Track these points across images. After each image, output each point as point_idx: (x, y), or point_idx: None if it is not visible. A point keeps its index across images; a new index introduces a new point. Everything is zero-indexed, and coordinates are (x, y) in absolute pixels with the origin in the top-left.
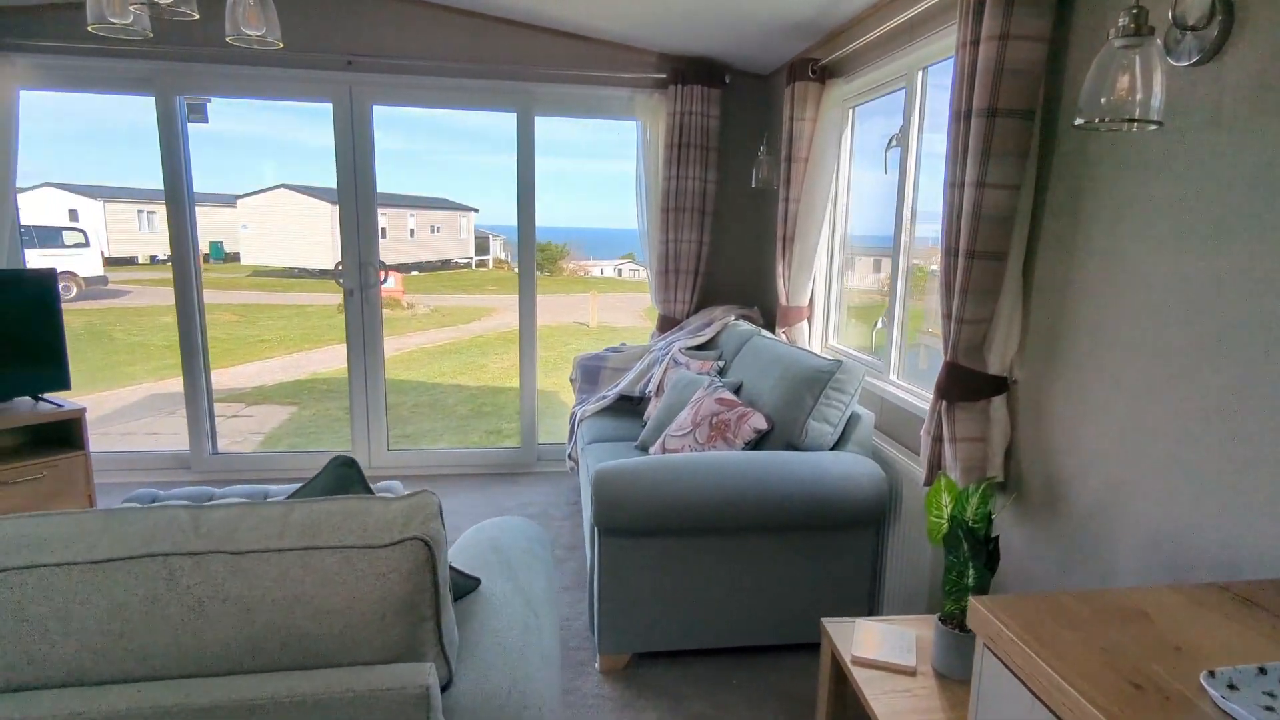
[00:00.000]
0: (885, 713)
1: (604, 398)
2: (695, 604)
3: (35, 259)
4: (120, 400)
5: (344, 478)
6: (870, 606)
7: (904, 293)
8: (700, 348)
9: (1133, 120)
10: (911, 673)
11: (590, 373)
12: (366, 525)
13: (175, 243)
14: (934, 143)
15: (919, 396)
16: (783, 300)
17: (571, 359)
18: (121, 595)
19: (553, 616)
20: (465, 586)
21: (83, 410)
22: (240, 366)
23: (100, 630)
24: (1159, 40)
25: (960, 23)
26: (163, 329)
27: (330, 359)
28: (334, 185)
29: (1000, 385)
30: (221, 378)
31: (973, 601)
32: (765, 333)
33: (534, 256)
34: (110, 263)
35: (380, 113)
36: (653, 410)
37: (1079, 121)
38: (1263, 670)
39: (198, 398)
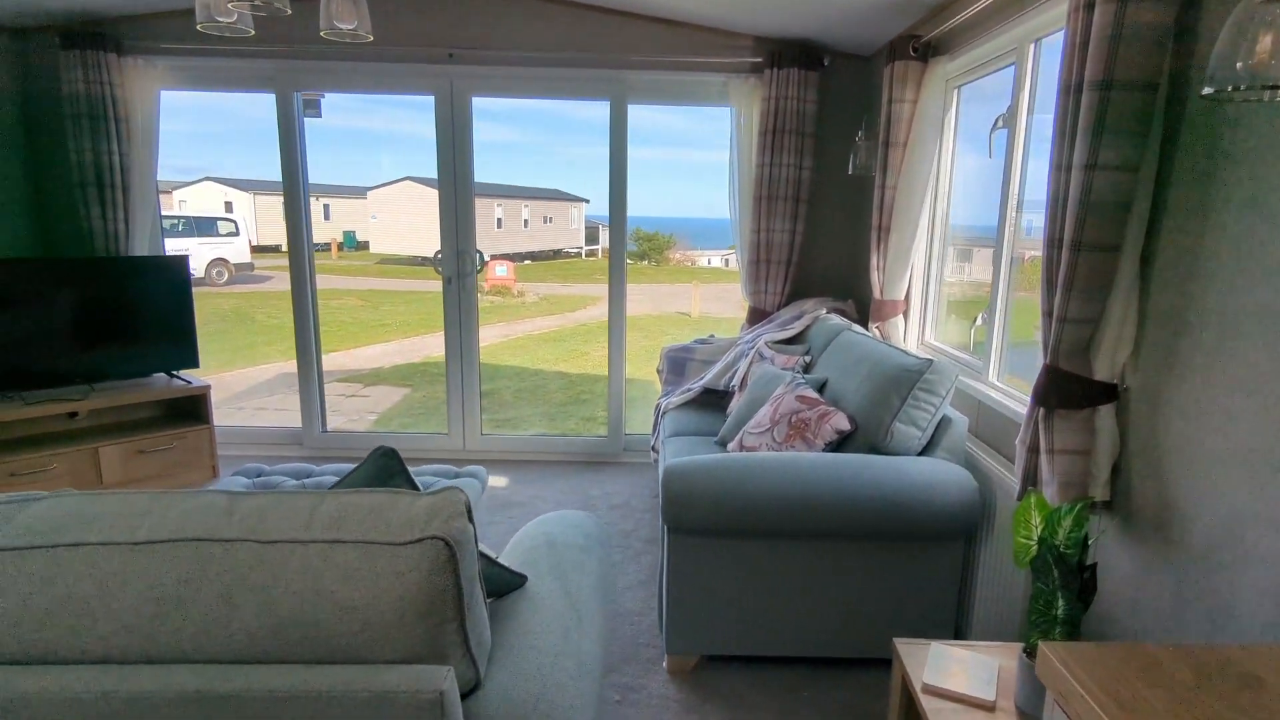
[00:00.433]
0: None
1: (688, 390)
2: (767, 609)
3: (194, 247)
4: (257, 377)
5: (385, 468)
6: (956, 628)
7: (1007, 286)
8: (789, 342)
9: (1275, 87)
10: (990, 708)
11: (677, 364)
12: (390, 521)
13: (291, 233)
14: (1045, 124)
15: (1022, 401)
16: (877, 293)
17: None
18: (157, 578)
19: (598, 621)
20: (511, 583)
21: (208, 387)
22: (361, 349)
23: (136, 611)
24: None
25: None
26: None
27: (442, 344)
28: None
29: (1108, 393)
30: (344, 359)
31: (1042, 649)
32: (856, 328)
33: (625, 246)
34: (257, 250)
35: (497, 107)
36: (735, 405)
37: (1208, 90)
38: None
39: (310, 379)
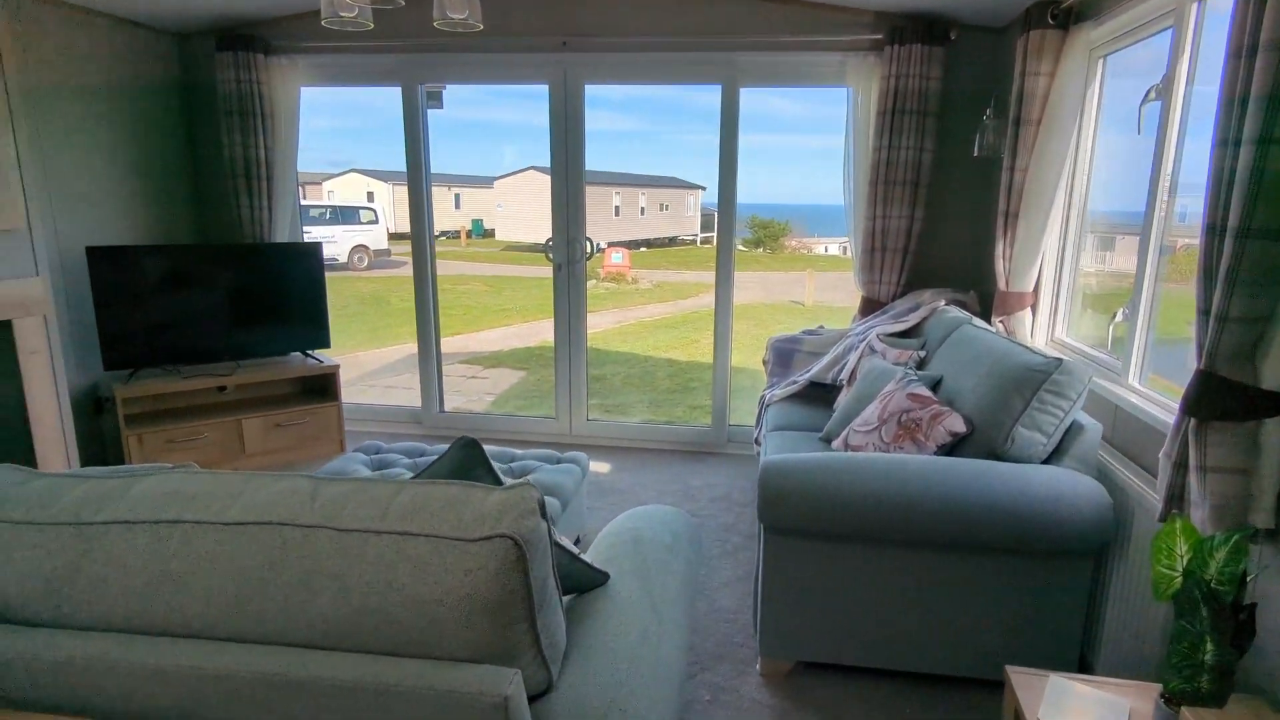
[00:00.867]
0: None
1: (794, 383)
2: (868, 618)
3: (338, 234)
4: (389, 357)
5: (466, 459)
6: (1079, 657)
7: (1154, 278)
8: (903, 335)
9: None
10: None
11: (783, 355)
12: (462, 516)
13: (413, 220)
14: (1206, 96)
15: (1167, 408)
16: (1001, 285)
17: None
18: (244, 559)
19: (681, 625)
20: (593, 580)
21: (337, 367)
22: (484, 332)
23: (224, 590)
24: None
25: None
26: None
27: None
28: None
29: (1277, 404)
30: (468, 342)
31: (1185, 717)
32: (977, 322)
33: (734, 233)
34: (394, 237)
35: (617, 95)
36: (842, 400)
37: None
38: None
39: (429, 361)
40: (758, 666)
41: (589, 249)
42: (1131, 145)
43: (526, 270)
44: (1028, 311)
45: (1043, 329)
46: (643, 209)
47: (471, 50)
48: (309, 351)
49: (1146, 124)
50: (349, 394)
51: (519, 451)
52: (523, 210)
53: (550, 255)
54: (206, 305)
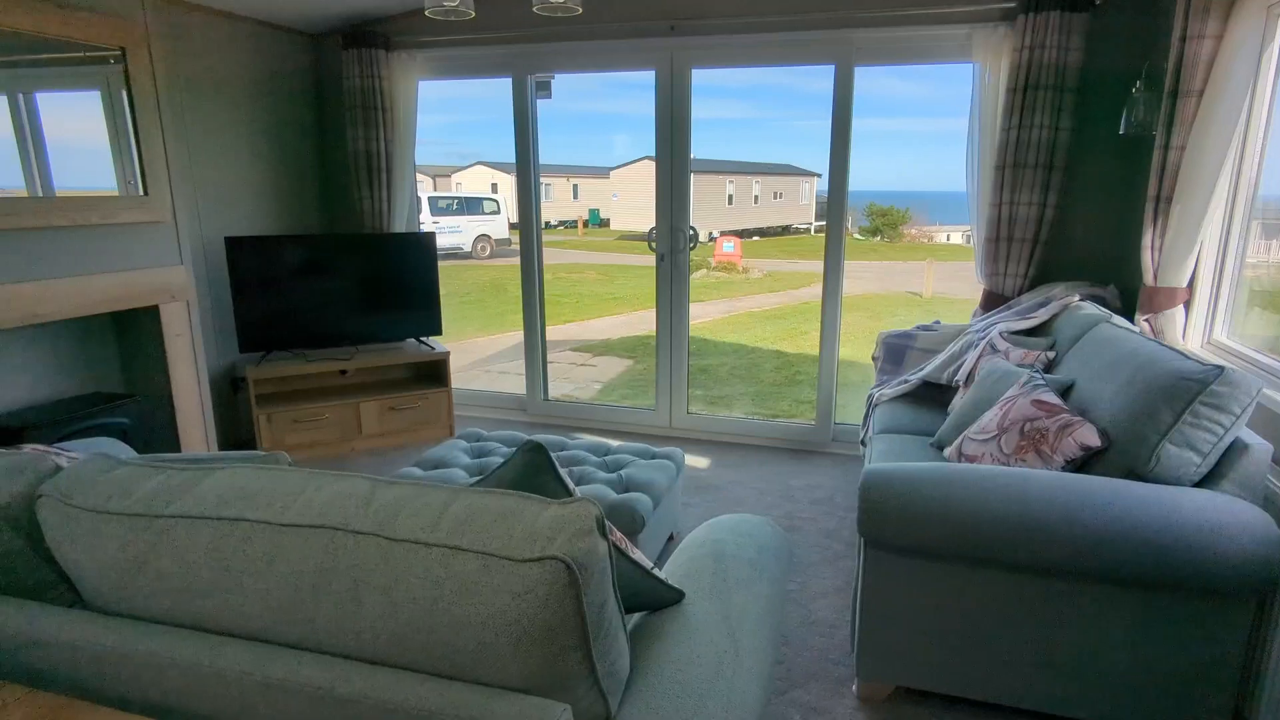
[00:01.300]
0: None
1: (905, 381)
2: (979, 647)
3: (463, 224)
4: (505, 343)
5: (532, 464)
6: (1234, 712)
7: None
8: (1029, 333)
9: None
10: None
11: (895, 352)
12: (514, 532)
13: (521, 210)
14: None
15: None
16: (1149, 279)
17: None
18: (297, 563)
19: (762, 653)
20: (666, 598)
21: (447, 354)
22: (595, 320)
23: (278, 594)
24: None
25: None
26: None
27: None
28: (693, 156)
29: None
30: (578, 330)
31: None
32: (1118, 320)
33: (844, 220)
34: (515, 227)
35: (731, 82)
36: (957, 403)
37: None
38: None
39: (534, 350)
40: (854, 688)
41: (692, 238)
42: None
43: (639, 259)
44: (1179, 309)
45: (1198, 330)
46: (756, 197)
47: (578, 39)
48: (422, 338)
49: None
50: (465, 379)
51: (614, 444)
52: (637, 199)
53: (653, 245)
54: (329, 292)
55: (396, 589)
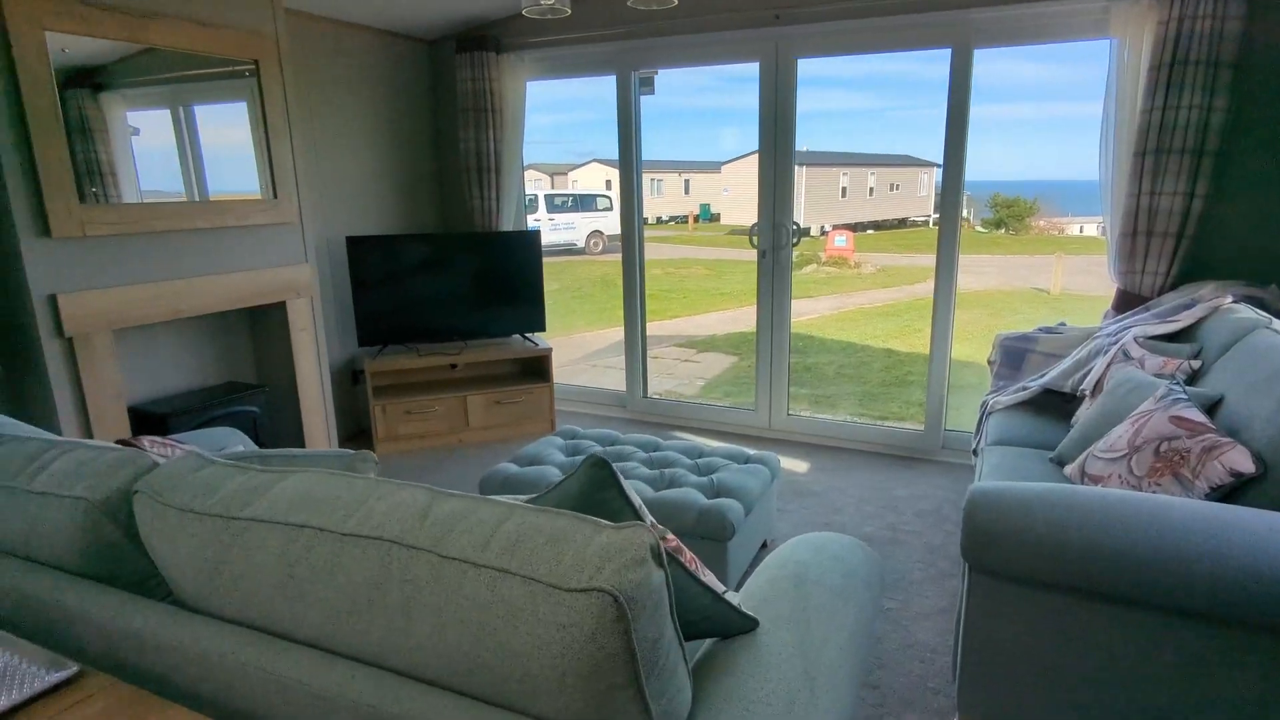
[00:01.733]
0: None
1: (1023, 389)
2: (1100, 692)
3: (578, 221)
4: (612, 338)
5: (595, 481)
6: None
7: None
8: (1169, 338)
9: None
10: None
11: (1013, 355)
12: (562, 558)
13: (623, 206)
14: None
15: None
16: None
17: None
18: (356, 573)
19: (841, 694)
20: (740, 626)
21: (550, 350)
22: (701, 316)
23: (336, 603)
24: None
25: None
26: (651, 280)
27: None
28: (805, 149)
29: None
30: (684, 325)
31: None
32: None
33: (960, 211)
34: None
35: (844, 73)
36: (1082, 415)
37: None
38: None
39: (634, 346)
40: None
41: (796, 232)
42: None
43: (747, 254)
44: None
45: None
46: (871, 189)
47: (680, 33)
48: (526, 334)
49: None
50: (573, 373)
51: (708, 446)
52: (747, 194)
53: (754, 241)
54: (441, 289)
55: (446, 609)
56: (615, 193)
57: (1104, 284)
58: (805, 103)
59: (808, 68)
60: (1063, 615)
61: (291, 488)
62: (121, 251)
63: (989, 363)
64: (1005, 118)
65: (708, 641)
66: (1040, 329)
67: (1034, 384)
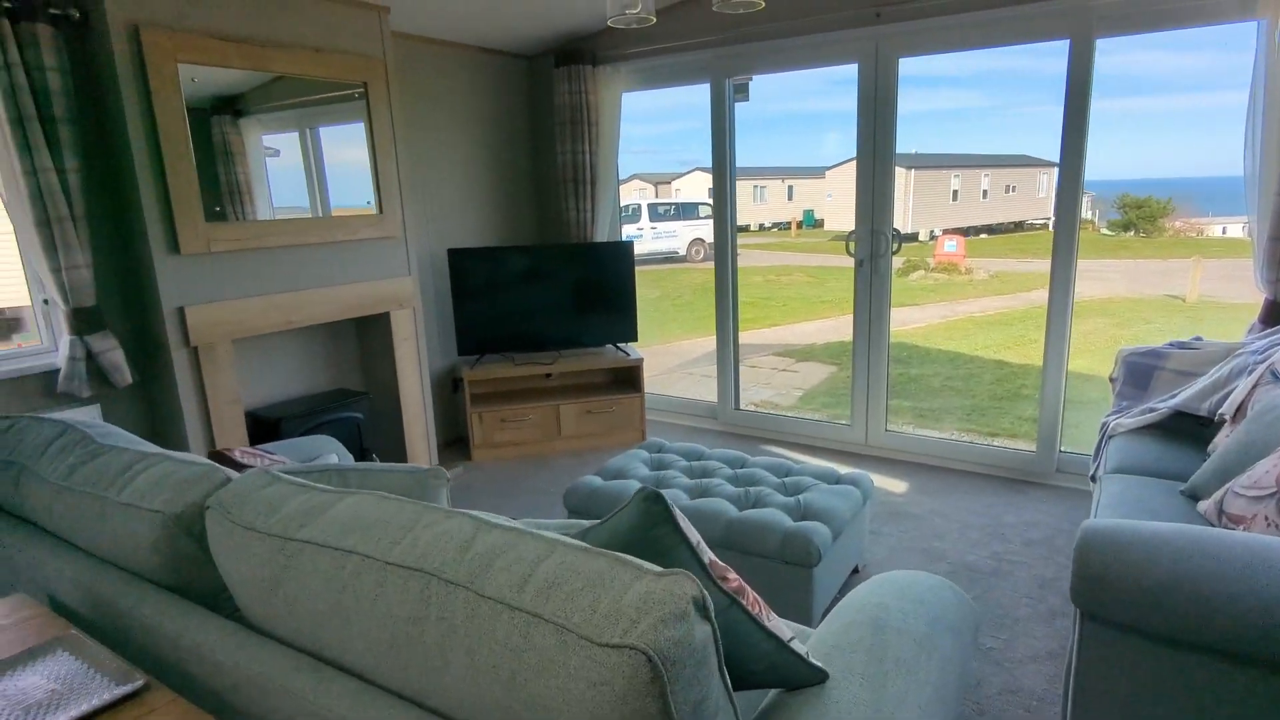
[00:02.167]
0: None
1: (1151, 410)
2: None
3: (680, 229)
4: (710, 345)
5: (649, 517)
6: None
7: None
8: None
9: None
10: None
11: (1139, 373)
12: (598, 605)
13: (716, 213)
14: None
15: None
16: None
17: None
18: (396, 606)
19: None
20: (806, 677)
21: (640, 360)
22: (801, 324)
23: (379, 635)
24: None
25: None
26: (749, 287)
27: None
28: (915, 151)
29: None
30: (784, 334)
31: None
32: None
33: (1077, 213)
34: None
35: (956, 71)
36: (1221, 444)
37: None
38: None
39: (726, 357)
40: None
41: (897, 237)
42: None
43: (849, 261)
44: None
45: None
46: (984, 192)
47: (776, 36)
48: (619, 344)
49: None
50: (669, 381)
51: (797, 463)
52: (851, 199)
53: (851, 249)
54: (536, 299)
55: (479, 652)
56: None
57: (1249, 292)
58: (913, 103)
59: (912, 67)
60: (1194, 675)
61: (346, 510)
62: (241, 266)
63: (1111, 380)
64: (1134, 111)
65: (772, 692)
66: (1171, 343)
67: (1163, 405)
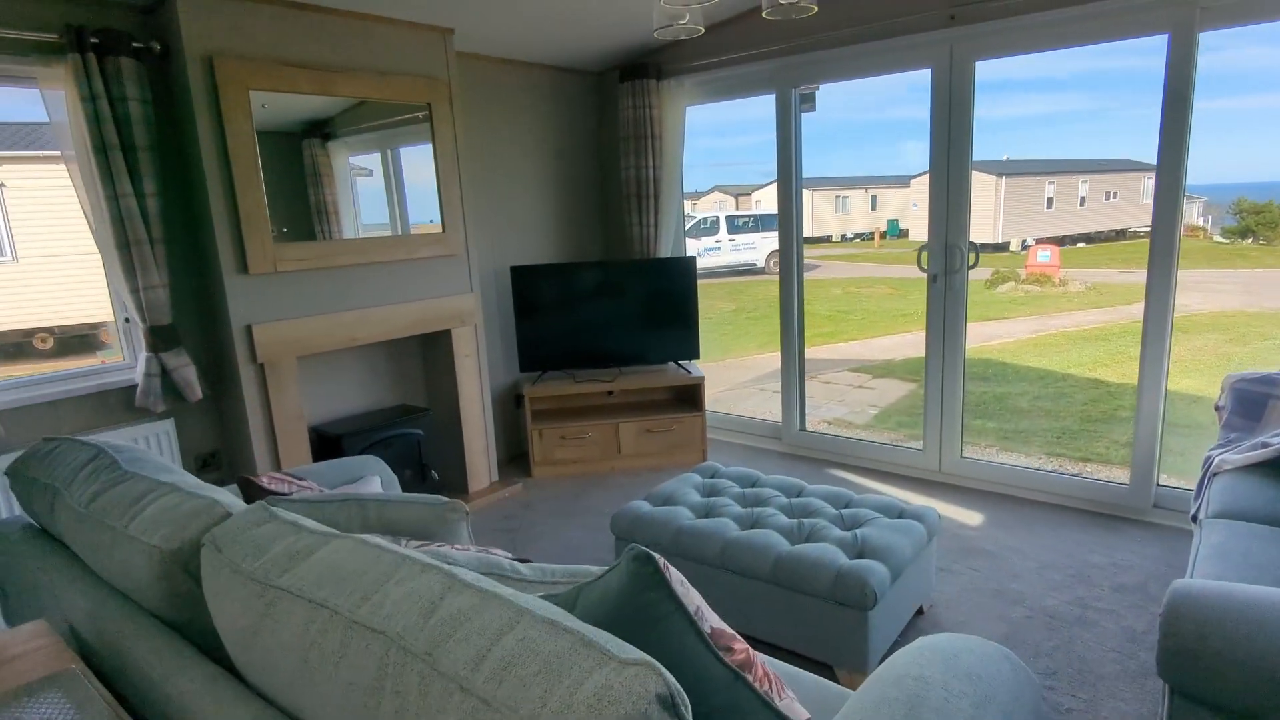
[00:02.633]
0: None
1: (1263, 446)
2: None
3: (758, 241)
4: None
5: (639, 582)
6: None
7: None
8: None
9: None
10: None
11: (1250, 402)
12: (550, 696)
13: (782, 226)
14: None
15: None
16: None
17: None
18: (356, 672)
19: None
20: None
21: (702, 379)
22: (879, 339)
23: (341, 701)
24: None
25: None
26: (827, 300)
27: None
28: (1004, 158)
29: None
30: (860, 349)
31: None
32: None
33: (1177, 220)
34: (808, 241)
35: (1052, 73)
36: None
37: None
38: None
39: (791, 375)
40: None
41: (973, 255)
42: None
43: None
44: None
45: None
46: (1082, 199)
47: (843, 44)
48: (681, 361)
49: None
50: (740, 396)
51: (858, 493)
52: None
53: (923, 264)
54: (597, 316)
55: None
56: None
57: None
58: (1005, 108)
59: (1002, 70)
60: None
61: (327, 556)
62: (306, 285)
63: (1217, 409)
64: (1253, 110)
65: None
66: None
67: (1278, 441)
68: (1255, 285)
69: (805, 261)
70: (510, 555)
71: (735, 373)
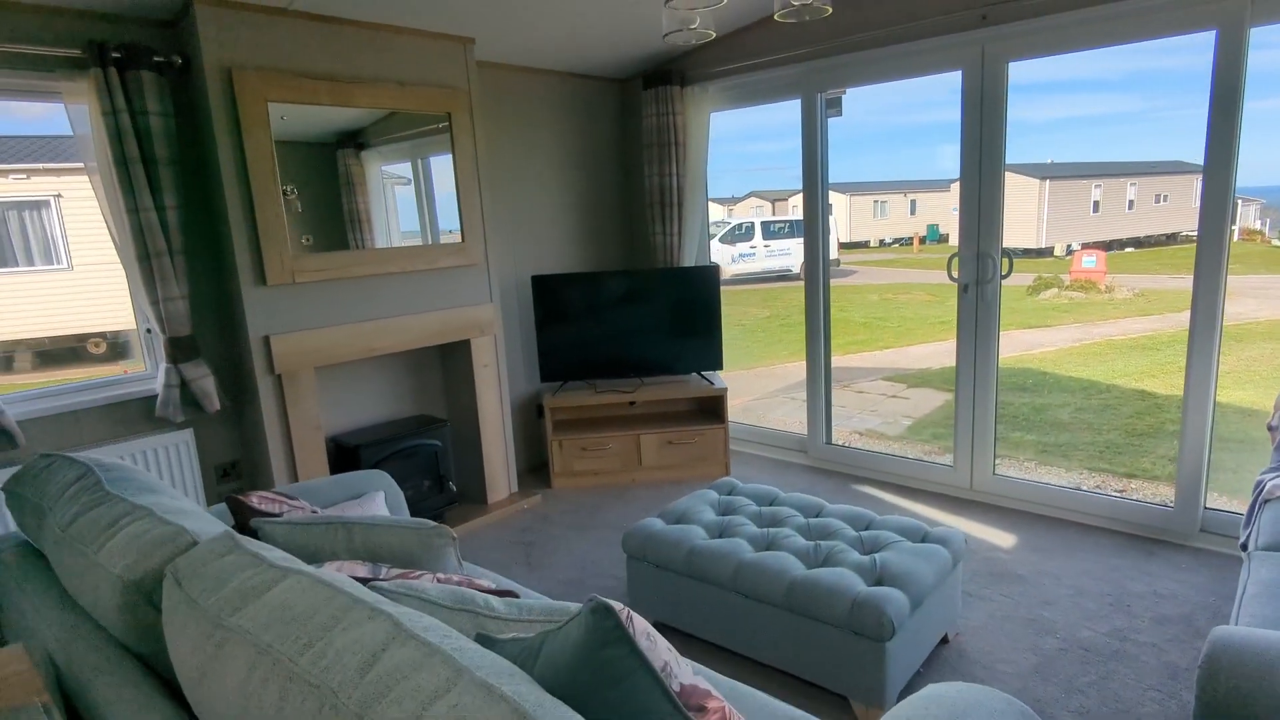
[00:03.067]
0: None
1: None
2: None
3: (792, 247)
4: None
5: (601, 633)
6: None
7: None
8: None
9: None
10: None
11: None
12: None
13: (807, 233)
14: None
15: None
16: None
17: None
18: None
19: None
20: None
21: (724, 390)
22: (915, 347)
23: None
24: None
25: None
26: (863, 306)
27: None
28: (1048, 160)
29: None
30: (896, 357)
31: None
32: None
33: (1225, 223)
34: (845, 246)
35: (1105, 75)
36: None
37: None
38: None
39: (816, 387)
40: None
41: (1005, 263)
42: None
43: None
44: None
45: None
46: (1130, 202)
47: (870, 46)
48: (703, 372)
49: None
50: (771, 405)
51: (879, 514)
52: None
53: (953, 273)
54: (618, 326)
55: None
56: (834, 216)
57: None
58: (1043, 110)
59: (1034, 72)
60: None
61: (281, 594)
62: (324, 296)
63: (1270, 429)
64: None
65: None
66: None
67: None
68: None
69: (842, 267)
70: (495, 588)
71: (766, 381)
